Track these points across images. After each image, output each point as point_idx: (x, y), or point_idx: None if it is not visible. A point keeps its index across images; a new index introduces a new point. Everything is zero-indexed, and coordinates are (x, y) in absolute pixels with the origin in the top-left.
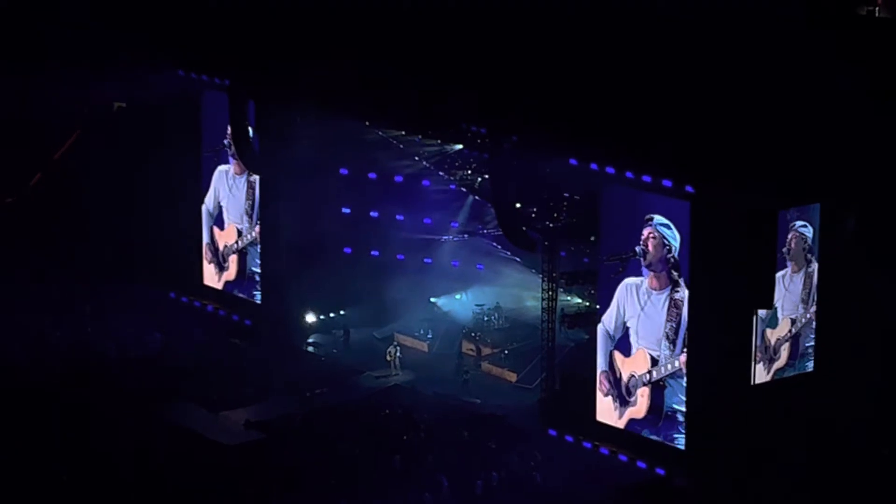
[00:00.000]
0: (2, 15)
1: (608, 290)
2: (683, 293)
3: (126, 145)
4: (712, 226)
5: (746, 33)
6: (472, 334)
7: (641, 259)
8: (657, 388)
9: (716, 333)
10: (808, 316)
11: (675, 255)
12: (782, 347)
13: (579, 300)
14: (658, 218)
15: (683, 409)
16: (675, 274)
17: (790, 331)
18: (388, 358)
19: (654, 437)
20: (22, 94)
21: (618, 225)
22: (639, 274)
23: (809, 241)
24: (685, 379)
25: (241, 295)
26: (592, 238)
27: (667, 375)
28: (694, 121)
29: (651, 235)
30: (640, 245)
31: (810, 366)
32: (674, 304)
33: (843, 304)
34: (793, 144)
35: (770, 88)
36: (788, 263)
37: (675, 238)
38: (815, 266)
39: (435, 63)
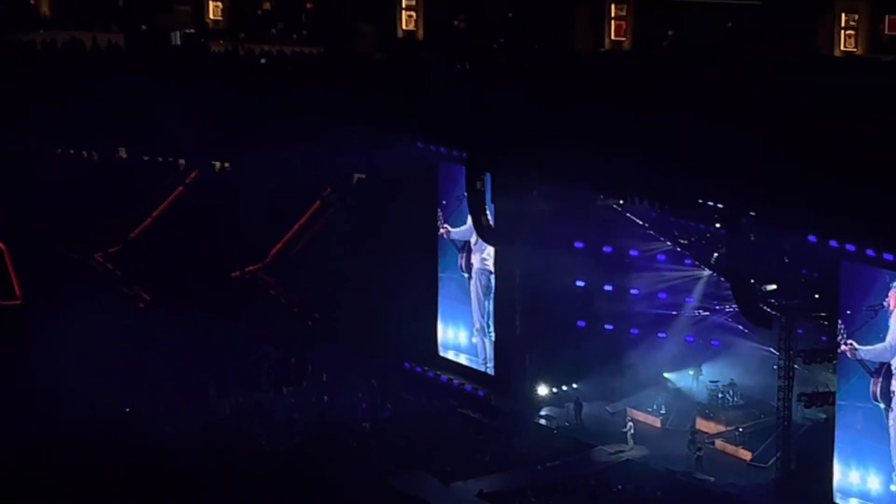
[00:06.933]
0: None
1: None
2: None
3: (364, 216)
4: None
5: None
6: (706, 411)
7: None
8: None
9: None
10: None
11: None
12: None
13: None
14: None
15: None
16: None
17: None
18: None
19: None
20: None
21: (857, 302)
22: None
23: None
24: None
25: (474, 367)
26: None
27: None
28: None
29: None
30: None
31: None
32: None
33: None
34: None
35: None
36: None
37: None
38: None
39: (673, 139)
